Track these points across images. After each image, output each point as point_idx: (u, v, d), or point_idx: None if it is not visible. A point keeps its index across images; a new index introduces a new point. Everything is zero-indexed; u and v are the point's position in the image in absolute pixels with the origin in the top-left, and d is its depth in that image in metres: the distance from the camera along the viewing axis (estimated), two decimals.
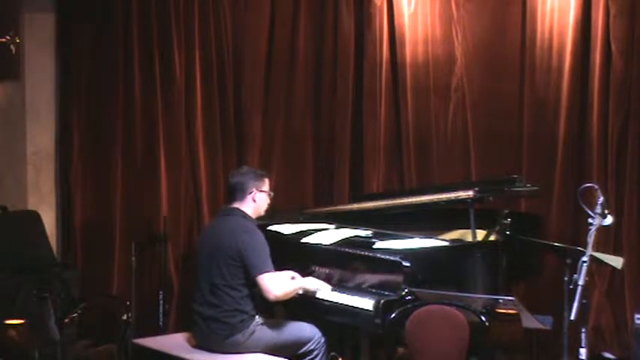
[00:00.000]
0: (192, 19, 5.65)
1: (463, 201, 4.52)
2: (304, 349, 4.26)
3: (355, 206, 5.23)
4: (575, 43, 5.36)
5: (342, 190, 5.81)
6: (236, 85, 5.82)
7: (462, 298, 3.92)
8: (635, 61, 5.19)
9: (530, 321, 3.88)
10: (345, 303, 4.19)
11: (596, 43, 5.26)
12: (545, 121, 5.51)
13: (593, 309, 5.22)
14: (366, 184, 5.78)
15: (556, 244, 4.57)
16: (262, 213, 4.42)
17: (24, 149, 5.52)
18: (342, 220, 5.09)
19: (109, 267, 5.54)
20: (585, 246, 3.56)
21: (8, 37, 5.32)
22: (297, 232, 4.88)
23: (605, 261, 4.19)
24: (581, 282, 3.42)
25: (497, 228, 4.55)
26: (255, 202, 4.33)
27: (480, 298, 4.02)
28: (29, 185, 5.53)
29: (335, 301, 4.25)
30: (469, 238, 4.47)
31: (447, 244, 4.52)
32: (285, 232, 4.90)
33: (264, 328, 4.21)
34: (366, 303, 4.08)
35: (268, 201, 4.43)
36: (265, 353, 4.15)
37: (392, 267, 4.16)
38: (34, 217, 5.27)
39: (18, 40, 5.35)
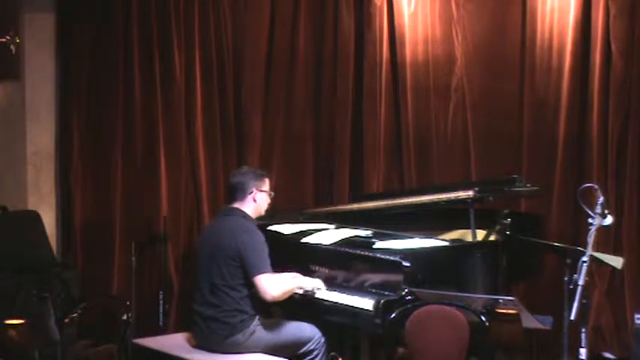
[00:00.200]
0: (192, 19, 5.65)
1: (463, 201, 4.52)
2: (304, 349, 4.26)
3: (355, 206, 5.23)
4: (575, 43, 5.37)
5: (342, 190, 5.81)
6: (236, 85, 5.82)
7: (462, 298, 3.92)
8: (635, 61, 5.19)
9: (530, 321, 3.88)
10: (345, 303, 4.19)
11: (596, 43, 5.26)
12: (545, 121, 5.51)
13: (593, 309, 5.22)
14: (366, 184, 5.78)
15: (556, 244, 4.57)
16: (263, 213, 4.43)
17: (24, 149, 5.52)
18: (342, 220, 5.09)
19: (109, 267, 5.54)
20: (585, 246, 3.56)
21: (8, 37, 5.32)
22: (297, 232, 4.88)
23: (605, 261, 4.19)
24: (581, 282, 3.42)
25: (497, 228, 4.55)
26: (256, 202, 4.33)
27: (479, 298, 4.02)
28: (29, 185, 5.53)
29: (335, 301, 4.25)
30: (469, 238, 4.47)
31: (447, 244, 4.52)
32: (285, 232, 4.90)
33: (264, 328, 4.21)
34: (366, 303, 4.08)
35: (269, 201, 4.43)
36: (265, 353, 4.15)
37: (392, 267, 4.16)
38: (34, 217, 5.27)
39: (18, 40, 5.35)
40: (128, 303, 5.14)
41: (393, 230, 4.72)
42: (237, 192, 4.32)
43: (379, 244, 4.46)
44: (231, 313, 4.14)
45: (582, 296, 3.40)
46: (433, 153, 5.75)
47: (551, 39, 5.45)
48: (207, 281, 4.21)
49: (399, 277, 4.12)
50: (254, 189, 4.32)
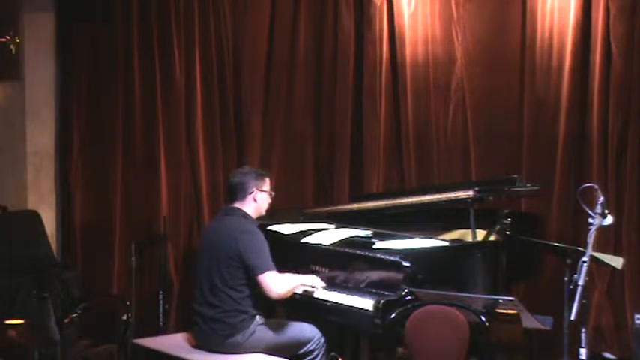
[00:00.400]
0: (192, 19, 5.66)
1: (463, 201, 4.52)
2: (304, 349, 4.27)
3: (355, 206, 5.23)
4: (575, 43, 5.36)
5: (342, 190, 5.81)
6: (236, 85, 5.83)
7: (462, 298, 3.92)
8: (635, 61, 5.19)
9: (530, 321, 3.88)
10: (345, 303, 4.19)
11: (596, 43, 5.26)
12: (545, 121, 5.50)
13: (593, 309, 5.22)
14: (366, 184, 5.78)
15: (556, 244, 4.56)
16: (263, 213, 4.42)
17: (24, 149, 5.52)
18: (342, 220, 5.09)
19: (109, 267, 5.55)
20: (585, 246, 3.56)
21: (8, 37, 5.32)
22: (297, 232, 4.88)
23: (605, 261, 4.20)
24: (581, 282, 3.43)
25: (497, 228, 4.55)
26: (256, 201, 4.33)
27: (479, 298, 4.02)
28: (29, 185, 5.53)
29: (335, 301, 4.25)
30: (469, 238, 4.47)
31: (447, 244, 4.52)
32: (285, 232, 4.90)
33: (265, 328, 4.22)
34: (366, 303, 4.08)
35: (269, 201, 4.43)
36: (265, 353, 4.15)
37: (392, 267, 4.16)
38: (34, 217, 5.27)
39: (18, 40, 5.35)
40: (128, 303, 5.15)
41: (393, 230, 4.72)
42: (238, 192, 4.32)
43: (379, 244, 4.46)
44: (232, 313, 4.14)
45: (582, 296, 3.41)
46: (433, 153, 5.74)
47: (551, 39, 5.45)
48: (208, 281, 4.21)
49: (399, 277, 4.12)
50: (254, 189, 4.32)
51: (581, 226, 4.78)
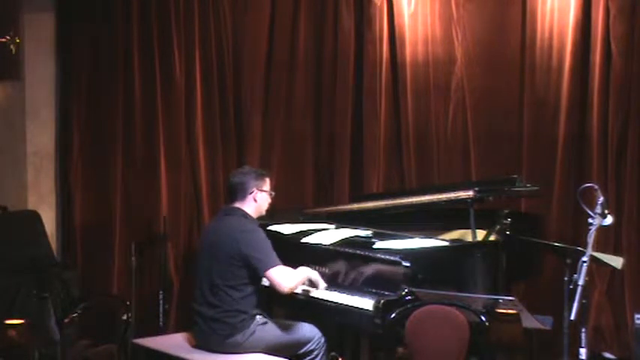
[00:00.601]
0: (192, 19, 5.66)
1: (463, 201, 4.52)
2: (304, 349, 4.27)
3: (355, 206, 5.23)
4: (575, 43, 5.36)
5: (342, 190, 5.81)
6: (236, 85, 5.83)
7: (462, 298, 3.92)
8: (635, 61, 5.19)
9: (530, 321, 3.88)
10: (345, 303, 4.19)
11: (596, 43, 5.26)
12: (545, 121, 5.50)
13: (593, 309, 5.22)
14: (366, 184, 5.78)
15: (556, 244, 4.56)
16: (263, 212, 4.42)
17: (24, 149, 5.52)
18: (342, 220, 5.09)
19: (109, 267, 5.55)
20: (585, 246, 3.56)
21: (8, 37, 5.32)
22: (297, 232, 4.88)
23: (605, 261, 4.20)
24: (581, 282, 3.43)
25: (497, 228, 4.55)
26: (257, 201, 4.33)
27: (479, 298, 4.01)
28: (29, 185, 5.53)
29: (335, 301, 4.25)
30: (469, 238, 4.47)
31: (447, 244, 4.52)
32: (285, 232, 4.90)
33: (265, 328, 4.21)
34: (366, 303, 4.08)
35: (269, 200, 4.43)
36: (265, 353, 4.15)
37: (392, 267, 4.16)
38: (34, 217, 5.27)
39: (18, 40, 5.35)
40: (128, 303, 5.15)
41: (393, 230, 4.72)
42: (238, 192, 4.32)
43: (379, 244, 4.46)
44: (232, 313, 4.14)
45: (582, 296, 3.41)
46: (433, 153, 5.74)
47: (551, 39, 5.45)
48: (208, 281, 4.21)
49: (399, 277, 4.12)
50: (255, 189, 4.32)
51: (581, 226, 4.78)
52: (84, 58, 5.59)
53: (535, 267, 4.99)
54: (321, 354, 4.29)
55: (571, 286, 3.51)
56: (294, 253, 4.64)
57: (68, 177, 5.59)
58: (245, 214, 4.29)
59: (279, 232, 4.88)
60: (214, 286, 4.18)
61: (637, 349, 4.93)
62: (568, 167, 5.42)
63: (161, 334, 4.84)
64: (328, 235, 4.72)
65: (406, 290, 4.05)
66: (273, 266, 4.10)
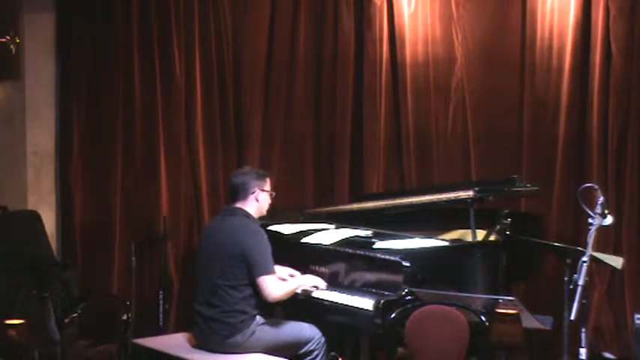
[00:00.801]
0: (192, 19, 5.65)
1: (463, 201, 4.52)
2: (304, 349, 4.27)
3: (355, 206, 5.23)
4: (575, 43, 5.36)
5: (342, 190, 5.81)
6: (236, 85, 5.82)
7: (462, 298, 3.92)
8: (635, 61, 5.19)
9: (530, 321, 3.88)
10: (345, 303, 4.19)
11: (596, 43, 5.26)
12: (545, 121, 5.51)
13: (593, 309, 5.22)
14: (366, 184, 5.78)
15: (556, 244, 4.57)
16: (264, 213, 4.43)
17: (24, 149, 5.51)
18: (342, 220, 5.09)
19: (109, 267, 5.54)
20: (585, 246, 3.57)
21: (8, 37, 5.31)
22: (297, 232, 4.88)
23: (605, 261, 4.20)
24: (581, 282, 3.43)
25: (497, 228, 4.55)
26: (258, 201, 4.34)
27: (479, 298, 4.02)
28: (29, 185, 5.52)
29: (335, 301, 4.25)
30: (469, 238, 4.47)
31: (447, 244, 4.52)
32: (285, 232, 4.90)
33: (265, 328, 4.21)
34: (366, 303, 4.09)
35: (270, 201, 4.43)
36: (265, 353, 4.15)
37: (392, 267, 4.16)
38: (34, 217, 5.26)
39: (18, 40, 5.34)
40: (128, 303, 5.14)
41: (393, 230, 4.72)
42: (240, 192, 4.32)
43: (379, 244, 4.46)
44: (232, 313, 4.14)
45: (582, 296, 3.41)
46: (433, 153, 5.75)
47: (551, 39, 5.45)
48: (208, 281, 4.21)
49: (399, 277, 4.12)
50: (256, 189, 4.32)
51: (581, 226, 4.79)
52: (84, 58, 5.58)
53: (535, 267, 4.99)
54: (321, 354, 4.29)
55: (571, 286, 3.51)
56: (294, 253, 4.65)
57: (68, 177, 5.59)
58: (247, 214, 4.29)
59: (279, 232, 4.89)
60: (215, 286, 4.18)
61: (637, 349, 4.94)
62: (568, 167, 5.42)
63: (161, 334, 4.83)
64: (328, 235, 4.72)
65: (406, 290, 4.05)
66: (267, 274, 4.11)
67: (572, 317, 3.39)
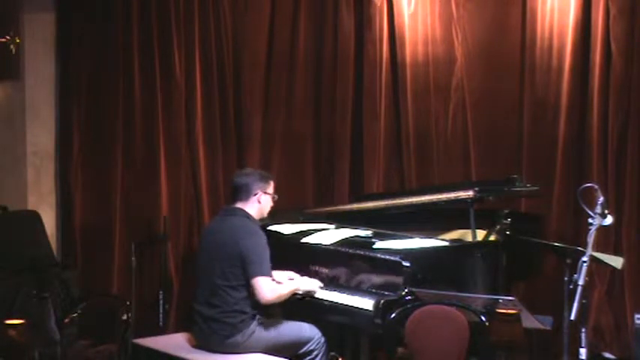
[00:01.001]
0: (192, 19, 5.65)
1: (463, 201, 4.52)
2: (304, 349, 4.26)
3: (355, 206, 5.23)
4: (575, 43, 5.37)
5: (342, 190, 5.81)
6: (236, 85, 5.82)
7: (462, 298, 3.92)
8: (635, 61, 5.19)
9: (530, 321, 3.88)
10: (345, 303, 4.19)
11: (596, 43, 5.26)
12: (545, 121, 5.51)
13: (593, 309, 5.22)
14: (366, 184, 5.78)
15: (556, 244, 4.57)
16: (265, 215, 4.42)
17: (24, 149, 5.51)
18: (342, 220, 5.09)
19: (109, 267, 5.54)
20: (585, 246, 3.57)
21: (8, 37, 5.32)
22: (297, 232, 4.88)
23: (605, 261, 4.20)
24: (581, 282, 3.43)
25: (497, 228, 4.55)
26: (260, 203, 4.33)
27: (479, 298, 4.01)
28: (29, 185, 5.52)
29: (335, 301, 4.25)
30: (469, 238, 4.47)
31: (447, 244, 4.52)
32: (285, 232, 4.90)
33: (265, 328, 4.21)
34: (366, 303, 4.08)
35: (272, 204, 4.42)
36: (265, 353, 4.15)
37: (392, 267, 4.16)
38: (34, 217, 5.26)
39: (18, 40, 5.35)
40: (128, 303, 5.14)
41: (393, 230, 4.72)
42: (242, 192, 4.31)
43: (379, 244, 4.46)
44: (232, 313, 4.14)
45: (582, 296, 3.41)
46: (433, 153, 5.75)
47: (551, 39, 5.46)
48: (208, 281, 4.21)
49: (399, 277, 4.12)
50: (259, 191, 4.32)
51: (581, 226, 4.79)
52: (84, 58, 5.58)
53: (535, 267, 4.99)
54: (321, 354, 4.29)
55: (571, 286, 3.51)
56: (294, 253, 4.65)
57: (68, 177, 5.58)
58: (248, 215, 4.29)
59: (279, 232, 4.89)
60: (215, 285, 4.17)
61: (637, 349, 4.94)
62: (568, 167, 5.43)
63: (161, 334, 4.83)
64: (328, 235, 4.72)
65: (406, 290, 4.05)
66: (263, 275, 4.10)
67: (572, 317, 3.39)
